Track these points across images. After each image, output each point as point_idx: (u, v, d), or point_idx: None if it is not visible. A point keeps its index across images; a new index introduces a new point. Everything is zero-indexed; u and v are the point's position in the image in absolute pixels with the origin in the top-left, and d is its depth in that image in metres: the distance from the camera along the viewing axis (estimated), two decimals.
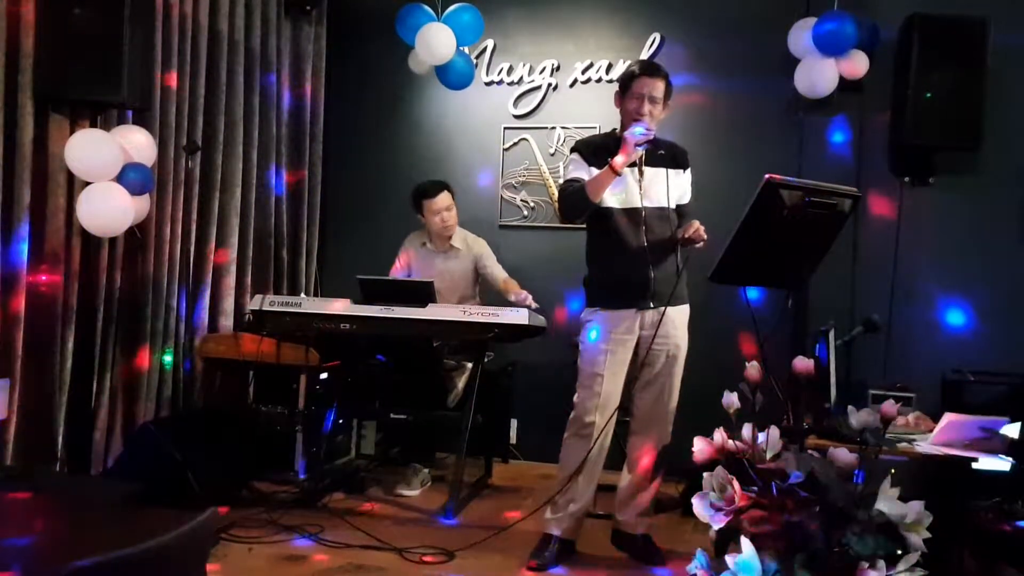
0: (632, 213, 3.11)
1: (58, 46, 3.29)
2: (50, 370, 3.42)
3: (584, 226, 3.29)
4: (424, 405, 3.98)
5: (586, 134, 3.81)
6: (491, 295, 4.33)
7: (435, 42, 4.26)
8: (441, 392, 4.04)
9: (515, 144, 4.84)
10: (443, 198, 4.21)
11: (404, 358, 4.05)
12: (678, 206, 3.18)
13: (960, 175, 4.22)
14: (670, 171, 3.13)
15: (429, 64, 4.42)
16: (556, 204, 4.74)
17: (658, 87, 3.09)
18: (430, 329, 3.78)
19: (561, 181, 3.35)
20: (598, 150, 3.11)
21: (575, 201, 3.08)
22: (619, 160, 2.97)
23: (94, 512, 2.01)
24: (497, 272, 4.30)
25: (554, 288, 4.51)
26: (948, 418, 2.77)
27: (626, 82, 3.16)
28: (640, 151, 3.03)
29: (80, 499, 2.22)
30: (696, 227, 3.03)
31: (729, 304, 3.78)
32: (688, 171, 3.26)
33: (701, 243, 3.04)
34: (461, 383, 4.06)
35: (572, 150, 3.23)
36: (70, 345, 3.50)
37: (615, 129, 3.19)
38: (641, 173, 3.13)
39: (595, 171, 3.06)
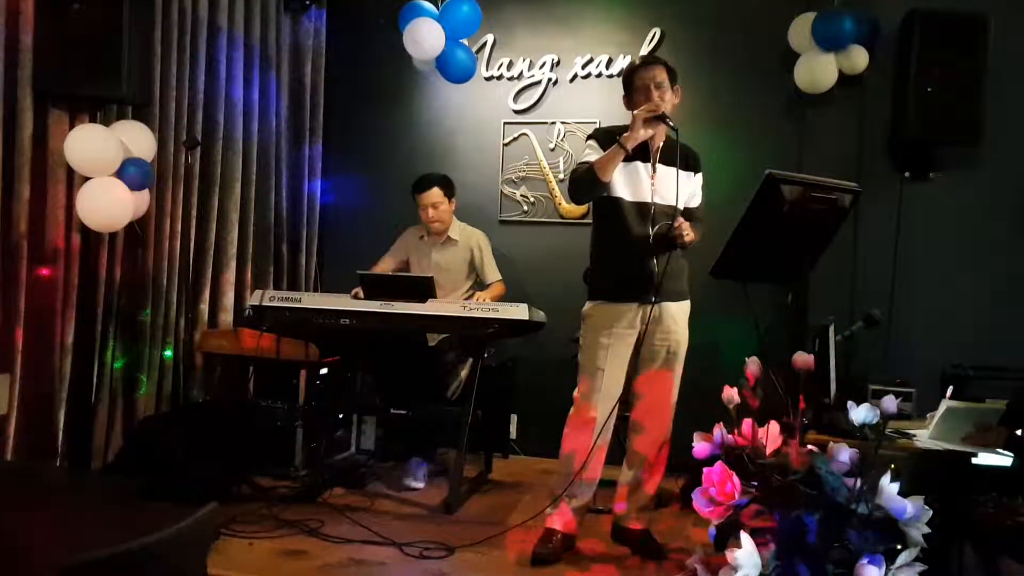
0: (641, 207, 3.10)
1: (57, 41, 3.29)
2: (50, 365, 3.43)
3: (588, 221, 3.28)
4: (423, 400, 3.98)
5: (587, 129, 3.81)
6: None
7: (422, 36, 4.23)
8: (440, 387, 4.04)
9: (515, 139, 4.83)
10: (431, 194, 4.20)
11: (398, 354, 4.06)
12: (687, 208, 3.16)
13: (960, 170, 4.22)
14: (682, 172, 3.12)
15: (418, 58, 4.40)
16: (556, 199, 4.75)
17: (660, 73, 3.08)
18: (430, 324, 3.78)
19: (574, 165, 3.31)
20: (615, 138, 3.09)
21: (585, 179, 3.06)
22: (628, 136, 2.95)
23: (94, 508, 2.01)
24: (488, 271, 4.30)
25: (554, 283, 4.51)
26: (946, 405, 2.77)
27: (628, 78, 3.15)
28: (650, 131, 2.99)
29: (80, 495, 2.22)
30: (679, 223, 3.01)
31: (729, 299, 3.79)
32: (700, 175, 3.25)
33: (682, 244, 3.02)
34: (463, 374, 4.08)
35: (589, 137, 3.20)
36: (70, 340, 3.50)
37: None
38: (654, 169, 3.12)
39: None
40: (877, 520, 1.99)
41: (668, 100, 3.08)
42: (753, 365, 2.39)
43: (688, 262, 3.22)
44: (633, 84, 3.11)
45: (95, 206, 3.32)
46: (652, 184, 3.11)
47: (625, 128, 3.10)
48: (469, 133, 4.91)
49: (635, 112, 2.99)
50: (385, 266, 4.37)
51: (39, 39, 3.29)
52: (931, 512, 1.99)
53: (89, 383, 3.60)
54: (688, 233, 3.01)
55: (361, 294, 3.81)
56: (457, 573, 2.98)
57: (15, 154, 3.25)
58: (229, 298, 4.40)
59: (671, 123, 2.99)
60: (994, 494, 2.38)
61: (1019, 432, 2.54)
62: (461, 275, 4.31)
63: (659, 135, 3.08)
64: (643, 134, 2.98)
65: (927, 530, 1.99)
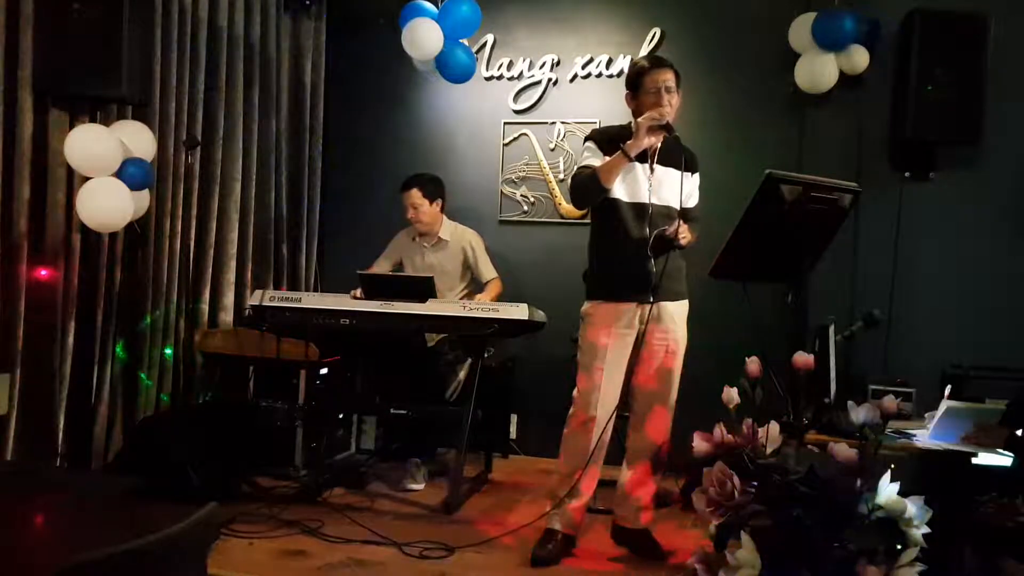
0: (638, 208, 3.10)
1: (57, 41, 3.29)
2: (50, 365, 3.43)
3: (587, 221, 3.28)
4: (423, 400, 3.98)
5: (587, 129, 3.80)
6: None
7: (421, 36, 4.22)
8: (439, 387, 4.04)
9: (515, 139, 4.83)
10: (410, 195, 4.23)
11: (398, 354, 4.06)
12: (684, 208, 3.16)
13: (960, 170, 4.22)
14: (681, 173, 3.11)
15: (417, 58, 4.40)
16: (556, 199, 4.75)
17: (670, 77, 3.08)
18: (430, 324, 3.78)
19: (575, 168, 3.31)
20: (613, 139, 3.07)
21: (587, 186, 3.06)
22: (631, 144, 2.95)
23: (94, 507, 2.01)
24: (483, 269, 4.31)
25: (553, 283, 4.50)
26: (946, 405, 2.78)
27: (636, 79, 3.13)
28: (653, 139, 2.99)
29: (80, 494, 2.22)
30: (676, 226, 3.01)
31: (729, 299, 3.79)
32: (696, 175, 3.25)
33: (679, 245, 3.02)
34: (462, 374, 4.08)
35: (587, 139, 3.19)
36: (70, 340, 3.50)
37: (630, 123, 3.16)
38: (652, 170, 3.12)
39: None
40: (877, 520, 1.99)
41: (675, 105, 3.08)
42: (753, 365, 2.39)
43: (686, 262, 3.22)
44: (643, 85, 3.10)
45: (95, 206, 3.32)
46: (650, 185, 3.11)
47: (622, 128, 3.11)
48: (469, 133, 4.91)
49: (639, 120, 2.99)
50: (379, 268, 4.37)
51: (39, 39, 3.29)
52: (931, 512, 1.99)
53: (89, 383, 3.60)
54: (686, 235, 3.00)
55: (361, 294, 3.81)
56: (457, 573, 2.98)
57: (15, 154, 3.25)
58: (229, 298, 4.40)
59: (675, 133, 3.00)
60: (994, 494, 2.38)
61: (1019, 432, 2.55)
62: (455, 276, 4.31)
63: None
64: (647, 142, 2.98)
65: (927, 530, 1.99)
